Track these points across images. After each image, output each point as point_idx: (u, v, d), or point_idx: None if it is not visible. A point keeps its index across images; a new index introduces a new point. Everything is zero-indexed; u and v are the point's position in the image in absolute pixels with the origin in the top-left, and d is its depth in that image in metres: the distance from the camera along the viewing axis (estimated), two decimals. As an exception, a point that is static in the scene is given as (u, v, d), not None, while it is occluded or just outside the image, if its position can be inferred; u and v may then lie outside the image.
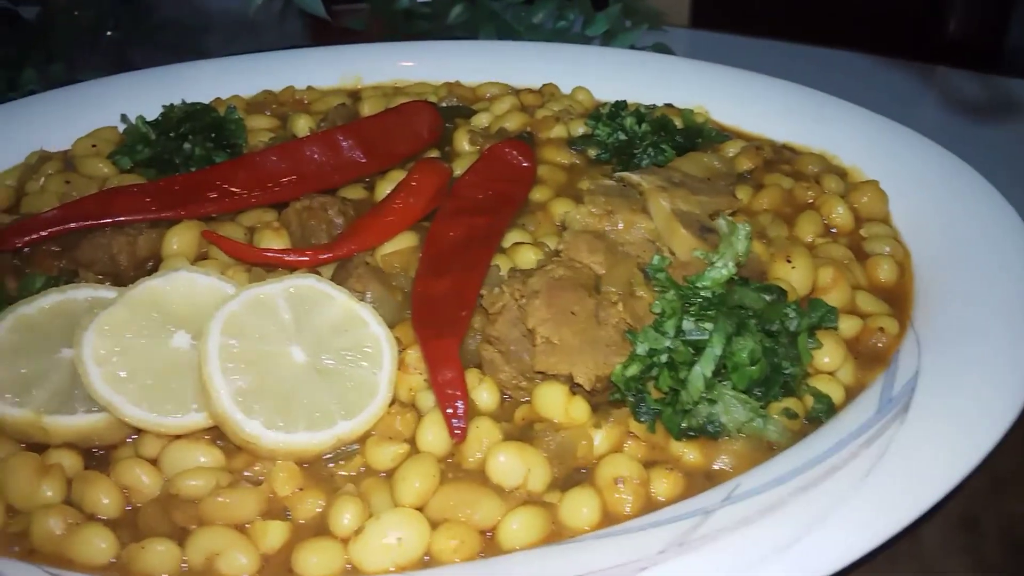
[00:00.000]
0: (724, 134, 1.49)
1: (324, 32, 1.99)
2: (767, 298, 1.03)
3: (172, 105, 1.46)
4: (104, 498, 0.89)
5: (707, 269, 1.02)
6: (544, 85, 1.62)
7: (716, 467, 0.95)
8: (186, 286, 1.01)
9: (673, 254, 1.09)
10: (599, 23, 1.96)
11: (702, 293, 1.00)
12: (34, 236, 1.10)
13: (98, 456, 0.96)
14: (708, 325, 0.98)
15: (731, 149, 1.45)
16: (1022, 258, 1.14)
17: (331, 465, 0.94)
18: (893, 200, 1.32)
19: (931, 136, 2.09)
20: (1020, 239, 1.18)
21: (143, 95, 1.55)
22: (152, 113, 1.47)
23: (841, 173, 1.39)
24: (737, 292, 1.02)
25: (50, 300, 1.01)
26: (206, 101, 1.54)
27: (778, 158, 1.44)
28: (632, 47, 1.93)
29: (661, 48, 1.92)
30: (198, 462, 0.93)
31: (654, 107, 1.50)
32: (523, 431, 0.97)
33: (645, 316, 1.01)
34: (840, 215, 1.29)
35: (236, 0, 2.59)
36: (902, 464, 0.88)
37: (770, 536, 0.83)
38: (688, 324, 0.98)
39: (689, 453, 0.96)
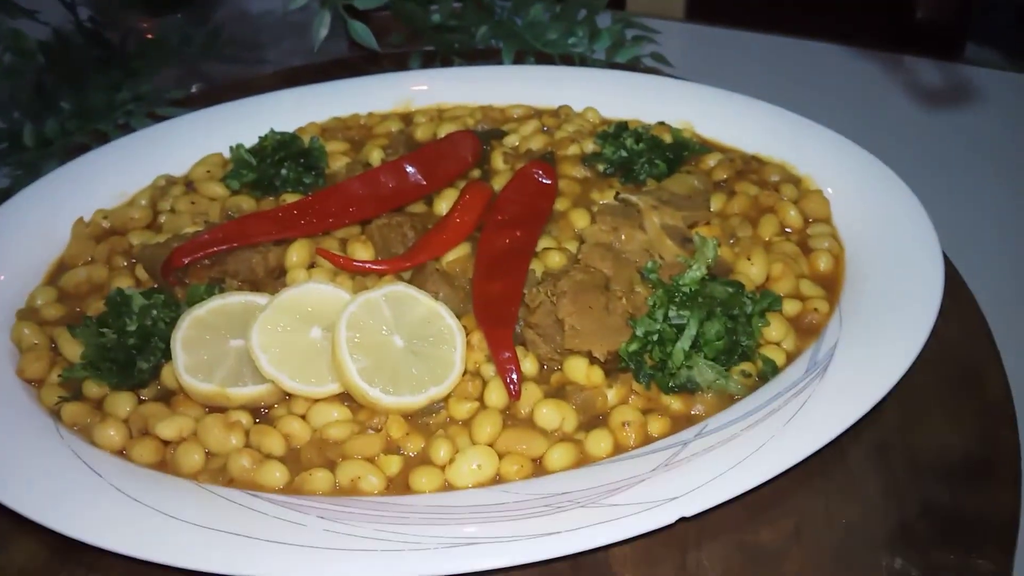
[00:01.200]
0: (705, 147, 1.85)
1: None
2: (730, 291, 1.39)
3: (266, 135, 1.82)
4: (275, 442, 1.29)
5: (686, 271, 1.41)
6: (560, 107, 1.98)
7: (693, 412, 1.32)
8: (315, 293, 1.39)
9: (662, 259, 1.48)
10: (603, 38, 2.30)
11: (682, 289, 1.37)
12: (196, 255, 1.48)
13: (262, 414, 1.36)
14: (686, 312, 1.34)
15: (711, 160, 1.81)
16: (926, 256, 1.48)
17: (425, 417, 1.34)
18: (835, 203, 1.69)
19: (895, 123, 2.44)
20: (929, 239, 1.52)
21: (238, 123, 1.90)
22: (247, 138, 1.84)
23: (796, 181, 1.74)
24: (708, 287, 1.38)
25: (215, 303, 1.39)
26: (286, 125, 1.91)
27: (747, 168, 1.78)
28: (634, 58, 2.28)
29: (658, 57, 2.27)
30: (333, 417, 1.33)
31: (649, 127, 1.86)
32: (557, 391, 1.35)
33: (642, 307, 1.40)
34: (792, 217, 1.65)
35: (275, 1, 2.93)
36: (817, 409, 1.25)
37: (728, 456, 1.19)
38: (672, 312, 1.35)
39: (674, 403, 1.33)
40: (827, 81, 2.58)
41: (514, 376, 1.33)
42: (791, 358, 1.41)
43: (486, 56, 2.29)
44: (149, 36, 2.39)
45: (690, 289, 1.37)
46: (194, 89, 2.44)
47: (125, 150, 1.86)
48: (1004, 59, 3.00)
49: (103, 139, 2.00)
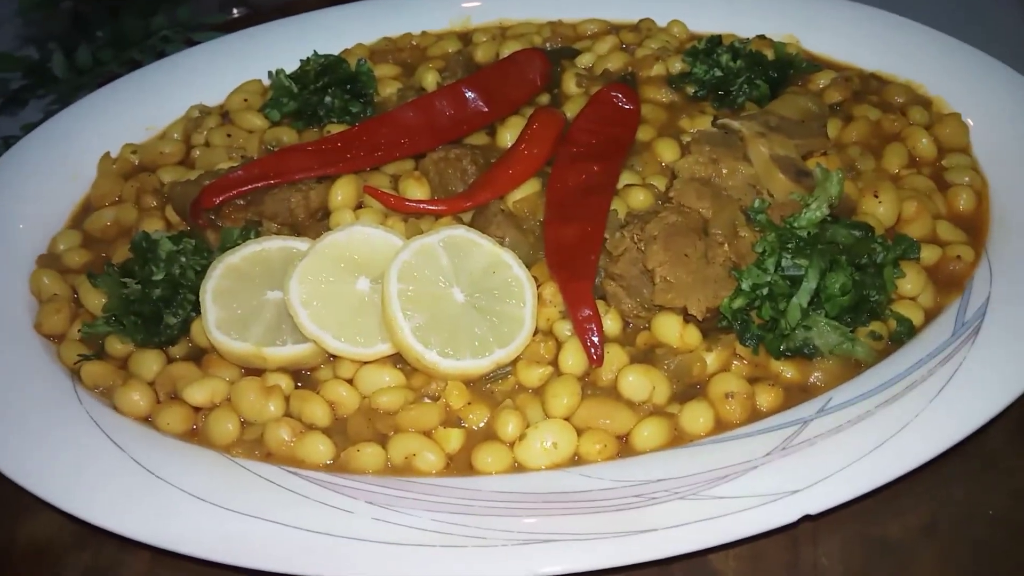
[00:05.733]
0: (815, 65, 1.59)
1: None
2: (856, 235, 1.18)
3: (308, 59, 1.62)
4: (319, 411, 1.13)
5: (803, 211, 1.18)
6: (641, 21, 1.72)
7: (811, 382, 1.14)
8: (362, 238, 1.21)
9: (772, 196, 1.25)
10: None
11: (798, 233, 1.16)
12: (230, 194, 1.30)
13: (304, 377, 1.20)
14: (804, 261, 1.14)
15: (822, 80, 1.55)
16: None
17: (490, 384, 1.16)
18: (974, 130, 1.43)
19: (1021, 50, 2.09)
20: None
21: (278, 46, 1.72)
22: (288, 63, 1.64)
23: (926, 103, 1.49)
24: (830, 230, 1.18)
25: (250, 250, 1.23)
26: (331, 48, 1.70)
27: (866, 89, 1.54)
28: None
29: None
30: (384, 382, 1.16)
31: (748, 41, 1.59)
32: (645, 354, 1.17)
33: (748, 254, 1.18)
34: (924, 146, 1.40)
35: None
36: (971, 381, 1.05)
37: (859, 442, 1.01)
38: (786, 261, 1.15)
39: (787, 371, 1.14)
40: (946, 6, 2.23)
41: (595, 337, 1.14)
42: (930, 316, 1.20)
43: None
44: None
45: (808, 233, 1.17)
46: (236, 13, 2.25)
47: (156, 78, 1.69)
48: None
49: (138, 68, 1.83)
